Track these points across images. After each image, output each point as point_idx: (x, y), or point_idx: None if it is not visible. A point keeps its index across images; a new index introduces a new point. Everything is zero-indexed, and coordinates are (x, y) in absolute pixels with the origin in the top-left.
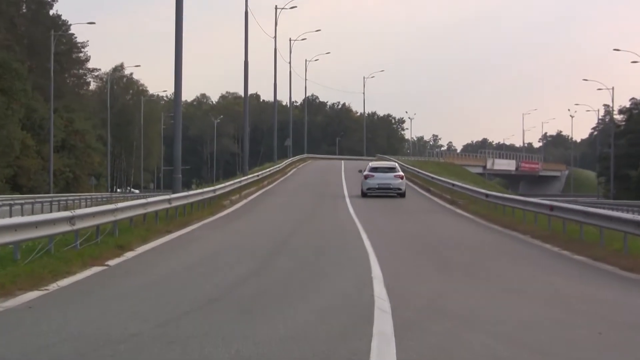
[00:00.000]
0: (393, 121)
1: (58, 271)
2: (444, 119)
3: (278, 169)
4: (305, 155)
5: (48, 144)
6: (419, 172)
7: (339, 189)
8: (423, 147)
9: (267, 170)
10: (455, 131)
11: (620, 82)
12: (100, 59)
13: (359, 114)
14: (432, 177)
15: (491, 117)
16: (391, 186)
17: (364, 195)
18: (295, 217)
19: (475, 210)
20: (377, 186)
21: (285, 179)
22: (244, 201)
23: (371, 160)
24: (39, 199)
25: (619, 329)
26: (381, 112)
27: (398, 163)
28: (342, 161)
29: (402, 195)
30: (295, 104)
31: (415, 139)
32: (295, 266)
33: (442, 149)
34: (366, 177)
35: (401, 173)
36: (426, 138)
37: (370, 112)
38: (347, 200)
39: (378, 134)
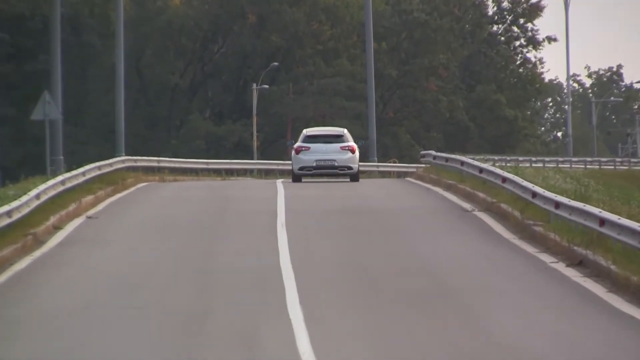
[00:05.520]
0: (497, 18)
1: None
2: None
3: None
4: (120, 162)
5: None
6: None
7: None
8: (608, 117)
9: None
10: None
11: None
12: None
13: None
14: None
15: None
16: (336, 164)
17: (296, 179)
18: None
19: None
20: (314, 164)
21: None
22: None
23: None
24: None
25: None
26: None
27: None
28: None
29: (354, 177)
30: None
31: (594, 77)
32: None
33: None
34: (298, 150)
35: (351, 143)
36: (629, 76)
37: None
38: None
39: (427, 63)
